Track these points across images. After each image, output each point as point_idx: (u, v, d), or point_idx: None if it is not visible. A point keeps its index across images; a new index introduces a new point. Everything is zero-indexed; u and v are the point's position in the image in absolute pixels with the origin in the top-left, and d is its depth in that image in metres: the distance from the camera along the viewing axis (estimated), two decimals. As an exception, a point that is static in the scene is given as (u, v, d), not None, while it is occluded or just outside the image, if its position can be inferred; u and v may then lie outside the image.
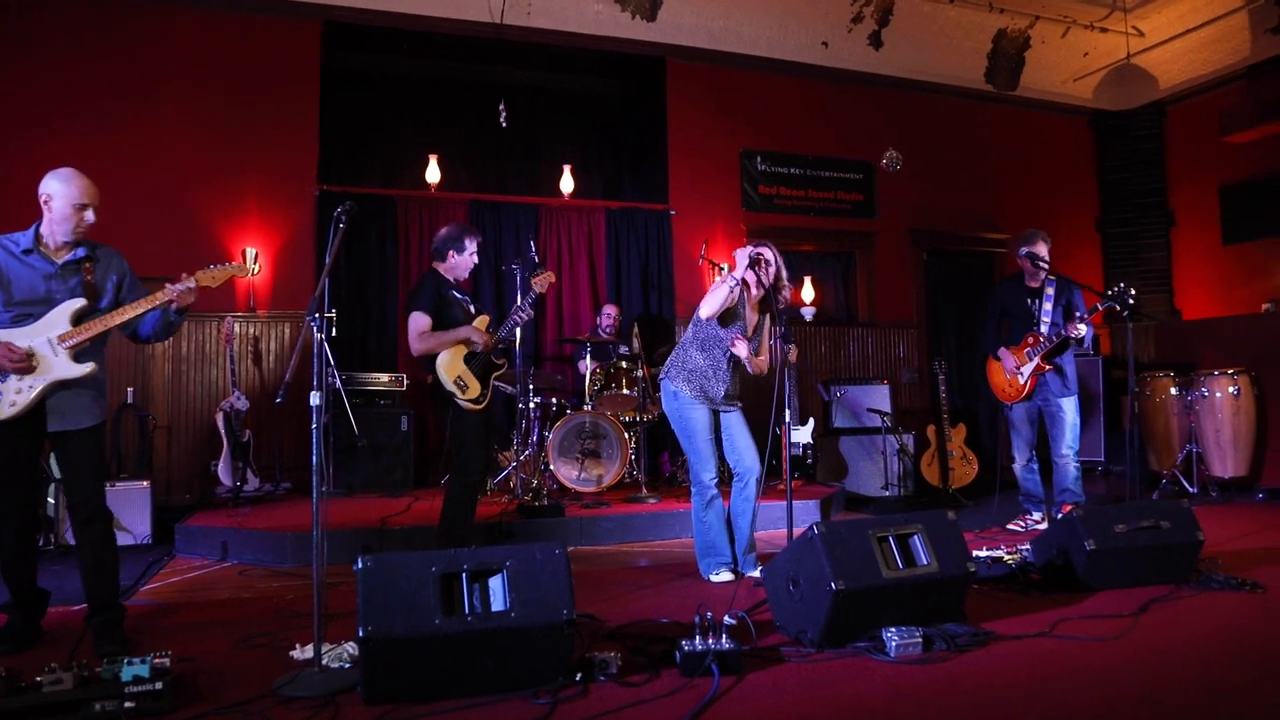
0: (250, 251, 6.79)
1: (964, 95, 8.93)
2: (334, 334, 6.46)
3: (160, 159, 6.62)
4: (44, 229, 3.15)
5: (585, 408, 6.28)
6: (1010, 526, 5.18)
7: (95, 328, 3.09)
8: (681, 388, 4.02)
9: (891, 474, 6.79)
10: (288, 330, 6.95)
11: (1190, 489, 6.32)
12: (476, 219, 7.50)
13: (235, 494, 5.92)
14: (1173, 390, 6.48)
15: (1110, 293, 4.85)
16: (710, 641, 2.65)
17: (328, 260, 2.91)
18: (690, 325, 4.14)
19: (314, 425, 2.71)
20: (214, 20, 6.85)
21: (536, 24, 7.55)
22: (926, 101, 8.81)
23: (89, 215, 3.15)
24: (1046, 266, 5.04)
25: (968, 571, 2.99)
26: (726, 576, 3.97)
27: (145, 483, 5.38)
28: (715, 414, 4.07)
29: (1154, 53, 8.76)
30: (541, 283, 4.65)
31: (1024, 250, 5.10)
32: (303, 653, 2.92)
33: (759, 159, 8.31)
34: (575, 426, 6.17)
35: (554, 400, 6.54)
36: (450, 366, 4.26)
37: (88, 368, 3.10)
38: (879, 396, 7.14)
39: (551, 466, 6.07)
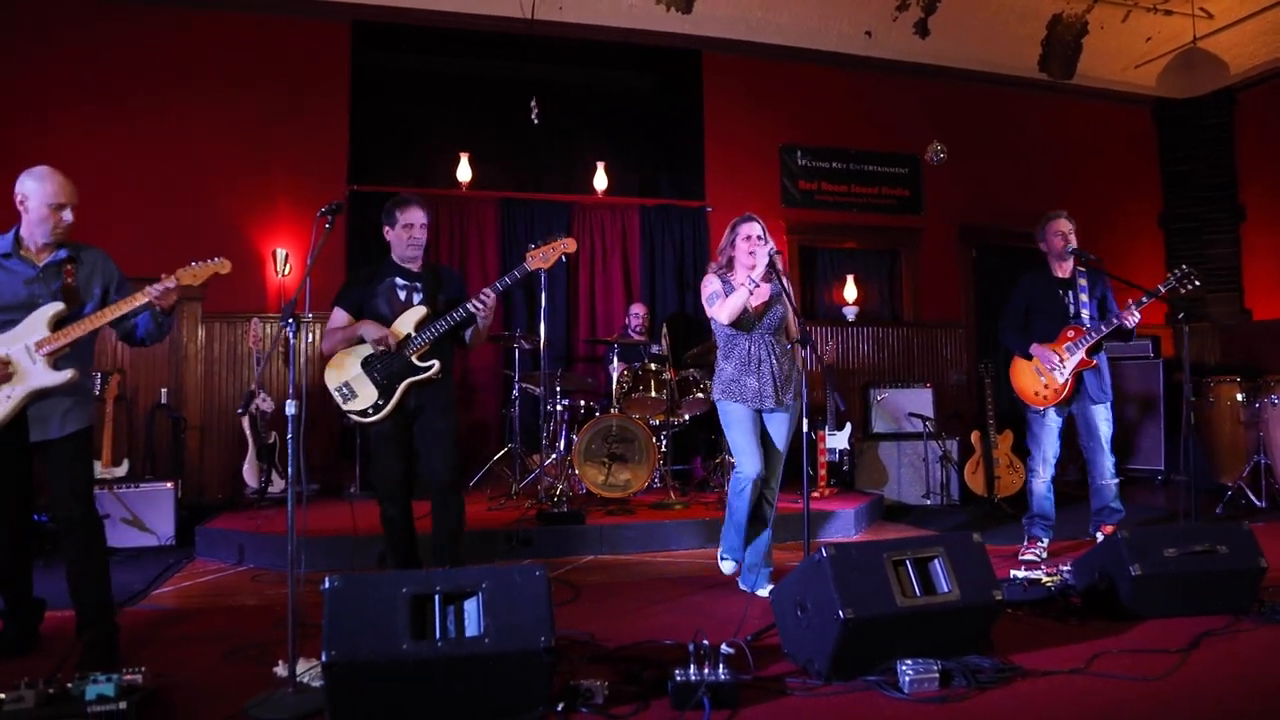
0: (280, 252, 6.78)
1: (1016, 85, 8.52)
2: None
3: (190, 160, 6.64)
4: (23, 231, 3.03)
5: (612, 410, 6.11)
6: (1025, 556, 4.47)
7: (74, 332, 2.96)
8: (723, 398, 3.89)
9: (934, 482, 6.49)
10: (318, 331, 6.92)
11: (1258, 503, 5.89)
12: (507, 218, 7.40)
13: (261, 495, 5.89)
14: (1238, 396, 6.04)
15: (1176, 273, 4.28)
16: (705, 671, 2.46)
17: (310, 261, 2.79)
18: (716, 338, 3.98)
19: (289, 436, 2.59)
20: (242, 22, 6.85)
21: (569, 19, 7.41)
22: (976, 92, 8.43)
23: (66, 215, 3.02)
24: (1074, 245, 4.51)
25: (994, 601, 2.74)
26: (730, 567, 3.98)
27: (169, 484, 5.38)
28: (760, 419, 3.87)
29: (1223, 35, 8.23)
30: (540, 256, 3.69)
31: (1053, 230, 4.55)
32: (285, 669, 2.80)
33: (799, 154, 8.05)
34: (602, 430, 6.00)
35: (583, 403, 6.39)
36: (337, 370, 3.65)
37: (66, 375, 2.95)
38: (921, 400, 6.83)
39: (577, 471, 5.92)
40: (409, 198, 3.80)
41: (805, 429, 3.41)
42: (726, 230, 3.95)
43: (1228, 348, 7.51)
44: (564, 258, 3.87)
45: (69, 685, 2.43)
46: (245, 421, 5.99)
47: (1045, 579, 3.60)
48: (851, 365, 8.07)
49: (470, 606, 2.34)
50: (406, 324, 3.68)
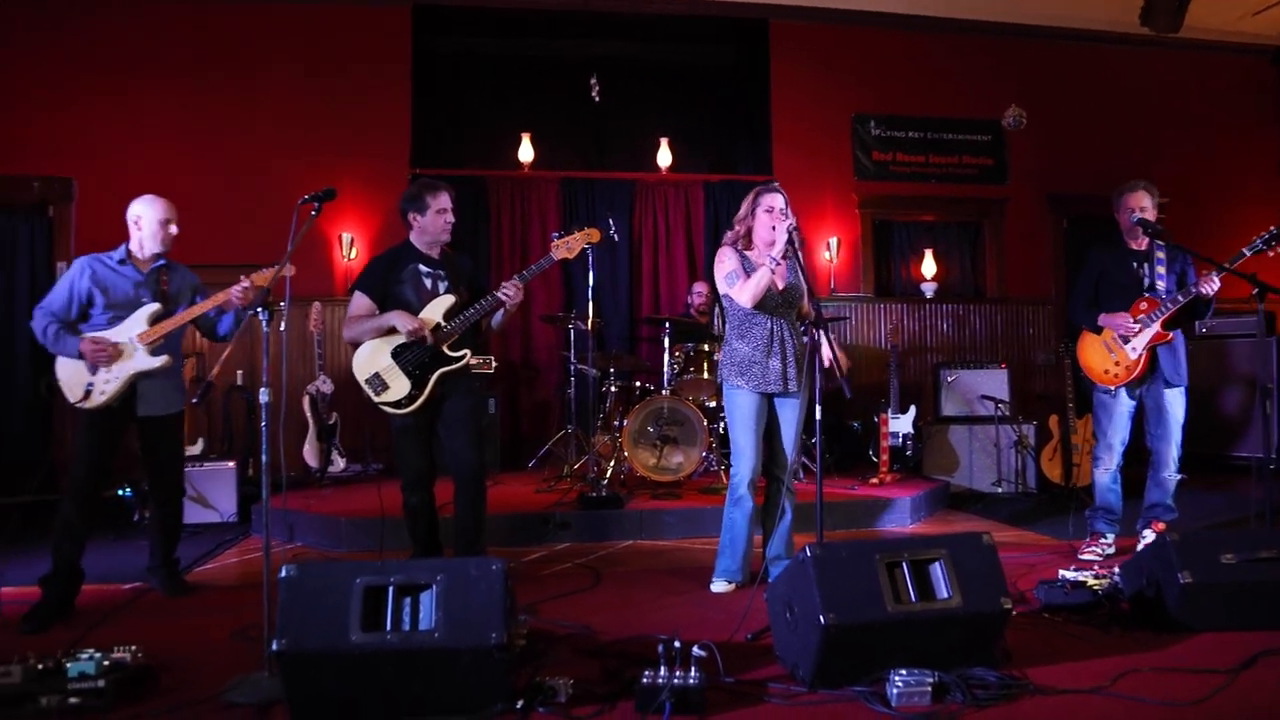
0: (346, 237, 6.94)
1: (1114, 41, 7.84)
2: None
3: (257, 148, 6.86)
4: (133, 245, 3.70)
5: (664, 392, 5.99)
6: (1084, 555, 4.18)
7: (167, 326, 3.61)
8: (733, 380, 3.66)
9: (1007, 468, 6.10)
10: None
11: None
12: (568, 198, 7.34)
13: (321, 474, 6.07)
14: (1356, 379, 5.40)
15: (1265, 234, 3.74)
16: (675, 674, 2.34)
17: (290, 248, 2.79)
18: (727, 316, 3.76)
19: (263, 423, 2.59)
20: (307, 11, 7.00)
21: (626, -8, 7.27)
22: (1068, 50, 7.82)
23: (172, 229, 3.73)
24: (1151, 223, 4.05)
25: (1001, 609, 2.50)
26: (722, 588, 3.65)
27: (231, 463, 5.58)
28: (770, 405, 3.68)
29: (1361, -25, 7.35)
30: (565, 246, 3.68)
31: (1126, 205, 4.15)
32: (277, 652, 2.84)
33: (872, 123, 7.66)
34: (653, 412, 5.89)
35: (637, 384, 6.29)
36: (367, 361, 3.59)
37: (161, 359, 3.61)
38: (995, 381, 6.42)
39: (627, 454, 5.84)
40: (436, 182, 3.72)
41: (819, 413, 3.18)
42: (748, 199, 3.72)
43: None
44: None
45: (64, 661, 2.51)
46: (305, 402, 6.17)
47: (1092, 581, 3.29)
48: (929, 344, 7.68)
49: (426, 600, 2.29)
50: (436, 313, 3.62)
